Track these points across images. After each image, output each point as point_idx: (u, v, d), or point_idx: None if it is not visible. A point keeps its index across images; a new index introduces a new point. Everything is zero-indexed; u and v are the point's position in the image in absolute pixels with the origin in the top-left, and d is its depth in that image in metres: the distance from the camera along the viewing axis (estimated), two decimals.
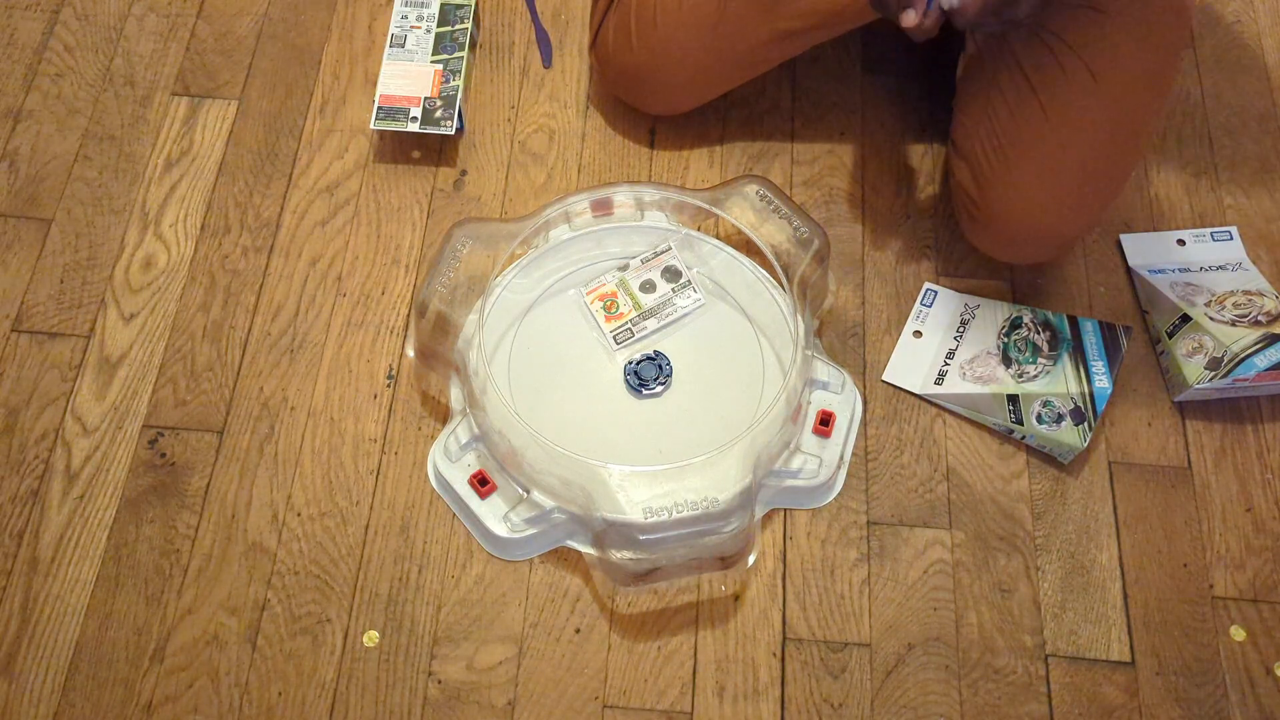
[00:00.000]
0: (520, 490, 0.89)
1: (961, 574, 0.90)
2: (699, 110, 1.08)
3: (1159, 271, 1.02)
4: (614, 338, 0.96)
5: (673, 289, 0.98)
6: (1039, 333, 0.98)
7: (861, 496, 0.93)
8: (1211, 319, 0.96)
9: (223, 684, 0.85)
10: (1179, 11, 0.92)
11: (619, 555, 0.84)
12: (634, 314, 0.97)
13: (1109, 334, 0.97)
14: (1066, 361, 0.96)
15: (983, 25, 0.82)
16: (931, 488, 0.94)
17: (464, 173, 1.08)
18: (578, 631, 0.88)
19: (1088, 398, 0.93)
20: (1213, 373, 0.93)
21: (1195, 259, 1.03)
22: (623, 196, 0.99)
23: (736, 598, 0.89)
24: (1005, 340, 0.98)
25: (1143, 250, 1.05)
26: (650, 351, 0.95)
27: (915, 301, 1.02)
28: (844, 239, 1.05)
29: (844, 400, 0.94)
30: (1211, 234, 1.05)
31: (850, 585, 0.90)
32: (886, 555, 0.91)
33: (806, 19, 0.96)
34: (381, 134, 1.09)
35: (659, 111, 1.08)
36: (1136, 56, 0.90)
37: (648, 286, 0.98)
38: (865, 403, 0.97)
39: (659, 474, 0.84)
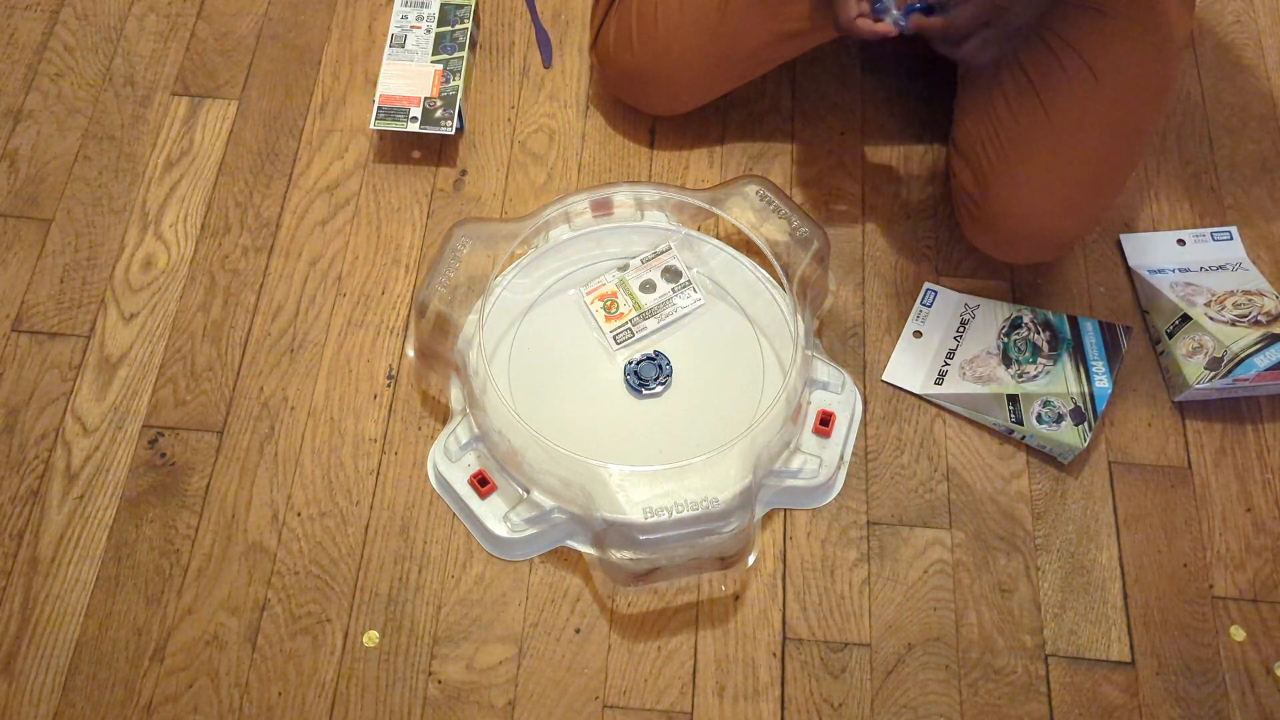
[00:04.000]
0: (520, 490, 0.89)
1: (961, 574, 0.90)
2: (699, 110, 1.08)
3: (1159, 271, 1.02)
4: (614, 338, 0.96)
5: (673, 289, 0.98)
6: (1039, 333, 0.98)
7: (861, 496, 0.93)
8: (1211, 319, 0.96)
9: (223, 684, 0.85)
10: (1180, 12, 0.92)
11: (619, 555, 0.84)
12: (634, 314, 0.97)
13: (1109, 334, 0.97)
14: (1066, 361, 0.96)
15: (975, 50, 0.83)
16: (931, 488, 0.94)
17: (464, 173, 1.08)
18: (578, 631, 0.88)
19: (1088, 398, 0.93)
20: (1213, 373, 0.93)
21: (1195, 259, 1.03)
22: (623, 196, 0.99)
23: (736, 598, 0.89)
24: (1005, 340, 0.98)
25: (1143, 250, 1.05)
26: (650, 351, 0.95)
27: (915, 301, 1.02)
28: (844, 239, 1.05)
29: (844, 400, 0.94)
30: (1211, 234, 1.05)
31: (850, 585, 0.90)
32: (886, 555, 0.91)
33: (807, 20, 0.96)
34: (381, 134, 1.09)
35: (659, 112, 1.08)
36: (1138, 56, 0.90)
37: (648, 286, 0.98)
38: (865, 403, 0.97)
39: (659, 474, 0.84)
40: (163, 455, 0.94)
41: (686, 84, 1.03)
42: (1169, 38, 0.91)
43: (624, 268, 0.99)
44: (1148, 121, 0.93)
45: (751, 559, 0.87)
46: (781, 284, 0.95)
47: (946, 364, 0.98)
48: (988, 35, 0.84)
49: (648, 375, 0.94)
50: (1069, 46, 0.89)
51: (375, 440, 0.95)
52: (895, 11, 0.84)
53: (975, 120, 0.95)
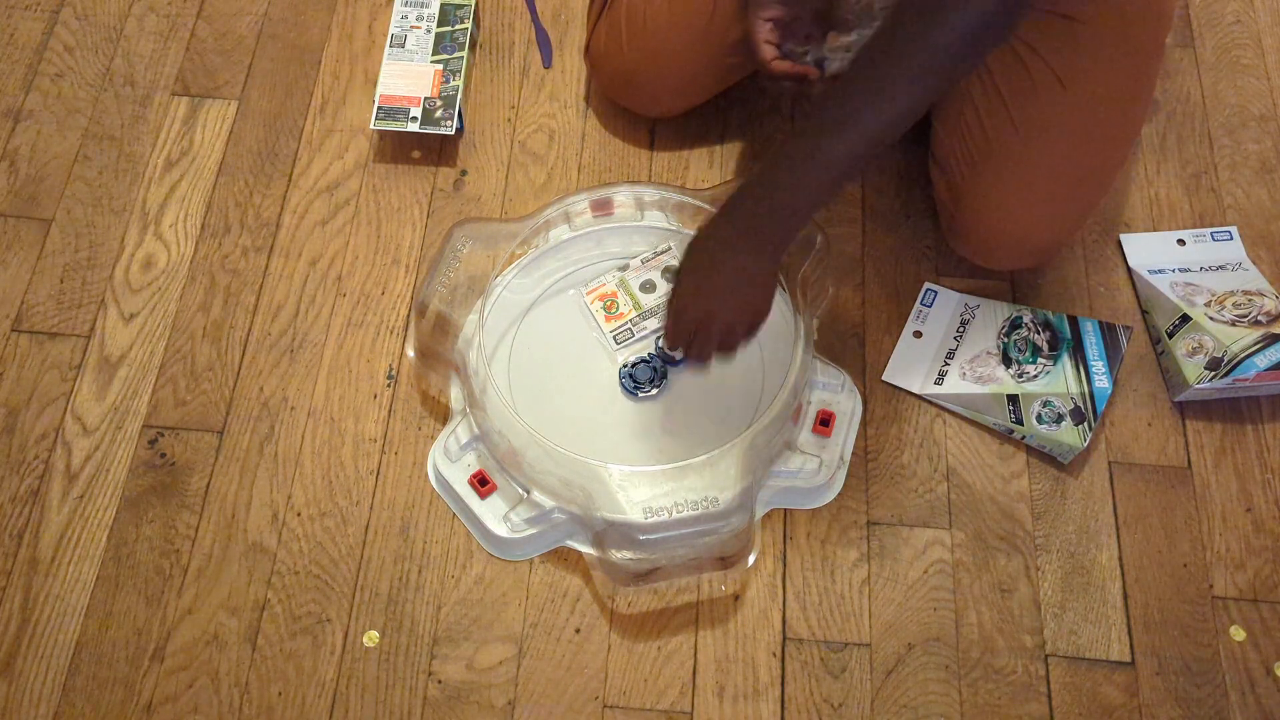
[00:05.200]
0: (520, 490, 0.89)
1: (961, 574, 0.90)
2: (699, 110, 1.08)
3: (1159, 271, 1.02)
4: (614, 338, 0.96)
5: None
6: (1039, 333, 0.98)
7: (861, 496, 0.93)
8: (1211, 319, 0.96)
9: (223, 684, 0.85)
10: (1156, 20, 0.91)
11: (619, 555, 0.84)
12: (634, 314, 0.97)
13: (1109, 334, 0.97)
14: (1066, 361, 0.96)
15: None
16: (931, 488, 0.94)
17: (464, 173, 1.08)
18: (578, 631, 0.88)
19: (1088, 398, 0.93)
20: (1213, 373, 0.93)
21: (1195, 259, 1.03)
22: (623, 196, 0.99)
23: (736, 598, 0.89)
24: (1005, 340, 0.98)
25: (1143, 250, 1.05)
26: (645, 354, 0.95)
27: (915, 301, 1.01)
28: (844, 239, 1.05)
29: (844, 400, 0.94)
30: (1211, 234, 1.05)
31: (850, 585, 0.90)
32: (886, 555, 0.91)
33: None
34: (381, 134, 1.09)
35: (651, 113, 1.08)
36: (1109, 64, 0.89)
37: (648, 286, 0.98)
38: (865, 403, 0.97)
39: (659, 474, 0.84)
40: (163, 455, 0.94)
41: (677, 86, 1.03)
42: (1142, 45, 0.90)
43: (624, 268, 0.99)
44: (1121, 129, 0.93)
45: (751, 559, 0.87)
46: (781, 284, 0.95)
47: (946, 364, 0.98)
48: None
49: (642, 378, 0.94)
50: (1037, 55, 0.89)
51: (375, 440, 0.95)
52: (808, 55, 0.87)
53: (948, 130, 0.95)
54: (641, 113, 1.08)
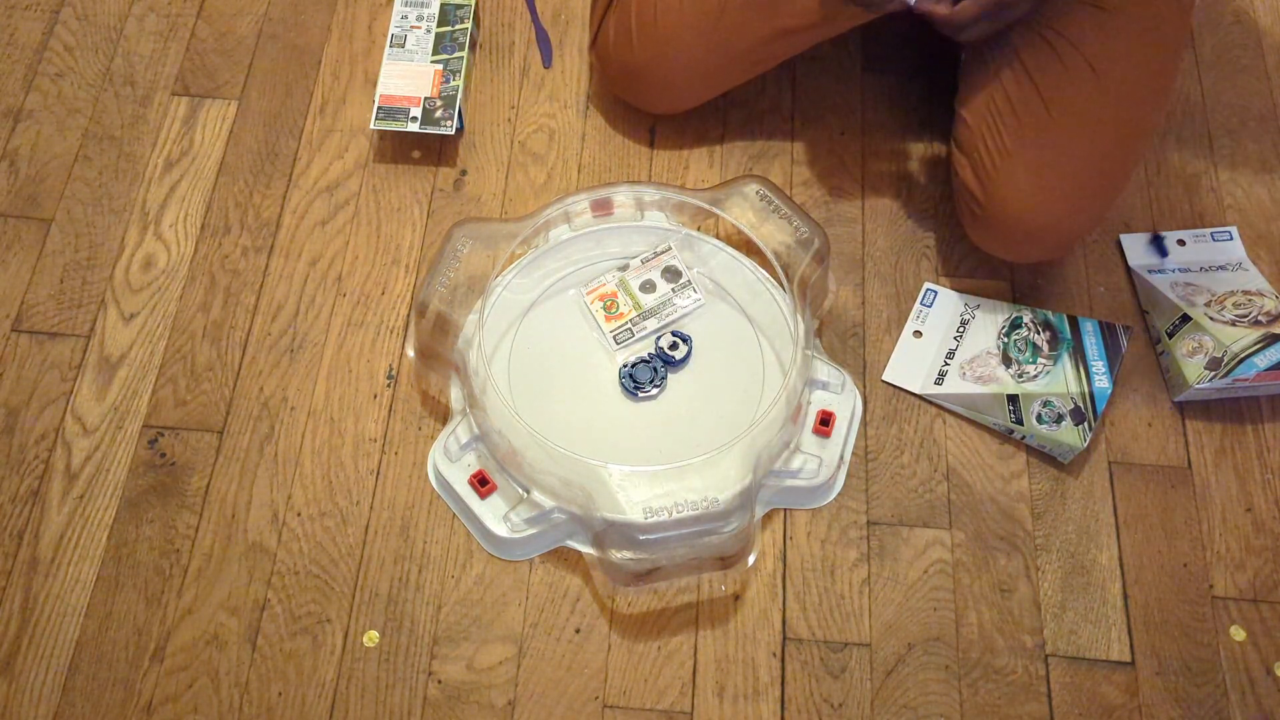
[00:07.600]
0: (520, 490, 0.89)
1: (961, 574, 0.90)
2: (699, 110, 1.08)
3: (1159, 271, 1.02)
4: (614, 338, 0.96)
5: (673, 289, 0.98)
6: (1039, 333, 0.98)
7: (861, 496, 0.93)
8: (1211, 319, 0.96)
9: (223, 684, 0.86)
10: (1181, 9, 0.92)
11: (619, 555, 0.84)
12: (634, 314, 0.97)
13: (1109, 334, 0.97)
14: (1066, 361, 0.96)
15: (977, 30, 0.84)
16: (931, 488, 0.94)
17: (464, 173, 1.08)
18: (578, 631, 0.88)
19: (1088, 398, 0.93)
20: (1213, 373, 0.93)
21: (1195, 259, 1.03)
22: (623, 196, 0.99)
23: (736, 598, 0.89)
24: (1005, 340, 0.98)
25: (1143, 250, 1.05)
26: (645, 354, 0.95)
27: (915, 301, 1.02)
28: (844, 239, 1.05)
29: (844, 400, 0.94)
30: (1211, 234, 1.05)
31: (850, 585, 0.90)
32: (886, 555, 0.91)
33: (807, 16, 0.96)
34: (381, 134, 1.09)
35: (659, 110, 1.08)
36: (1139, 53, 0.90)
37: (648, 286, 0.98)
38: (865, 403, 0.97)
39: (659, 474, 0.84)
40: (163, 455, 0.94)
41: (686, 81, 1.04)
42: (1169, 34, 0.92)
43: (624, 268, 0.99)
44: (1149, 118, 0.94)
45: (751, 559, 0.87)
46: (781, 284, 0.95)
47: (946, 364, 0.98)
48: (986, 27, 0.85)
49: (642, 378, 0.94)
50: (1069, 43, 0.90)
51: (375, 440, 0.95)
52: None
53: (976, 118, 0.95)
54: (648, 109, 1.08)
